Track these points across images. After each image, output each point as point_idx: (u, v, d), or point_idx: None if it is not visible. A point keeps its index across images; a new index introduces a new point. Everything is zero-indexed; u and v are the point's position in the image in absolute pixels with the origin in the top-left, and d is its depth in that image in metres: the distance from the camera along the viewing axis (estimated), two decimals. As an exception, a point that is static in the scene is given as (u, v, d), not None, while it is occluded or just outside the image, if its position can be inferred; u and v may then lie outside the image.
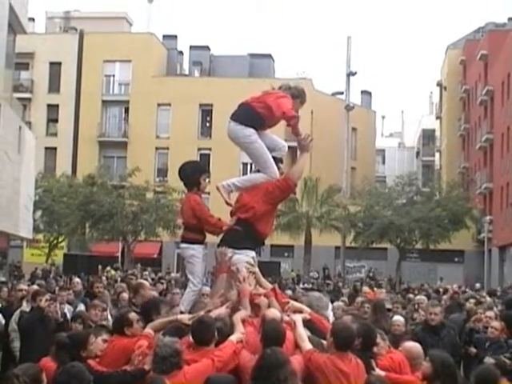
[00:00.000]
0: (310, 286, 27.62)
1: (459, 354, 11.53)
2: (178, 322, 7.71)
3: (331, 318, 9.06)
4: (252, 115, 8.80)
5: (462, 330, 12.71)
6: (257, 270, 8.36)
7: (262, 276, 8.50)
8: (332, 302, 12.42)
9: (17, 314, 11.98)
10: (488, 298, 18.90)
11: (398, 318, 11.35)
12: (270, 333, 6.87)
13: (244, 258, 8.35)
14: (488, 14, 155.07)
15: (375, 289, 24.21)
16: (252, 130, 8.77)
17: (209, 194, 10.89)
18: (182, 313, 8.51)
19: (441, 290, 27.17)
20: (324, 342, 7.23)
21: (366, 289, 19.78)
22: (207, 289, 10.47)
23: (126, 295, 13.44)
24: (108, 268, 34.55)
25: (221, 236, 8.81)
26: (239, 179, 9.19)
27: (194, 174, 8.92)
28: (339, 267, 47.95)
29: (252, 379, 6.21)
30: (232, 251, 8.43)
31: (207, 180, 9.10)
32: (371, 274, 47.46)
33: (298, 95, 9.12)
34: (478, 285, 32.91)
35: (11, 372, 6.73)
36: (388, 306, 13.60)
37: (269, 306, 7.75)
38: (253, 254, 8.56)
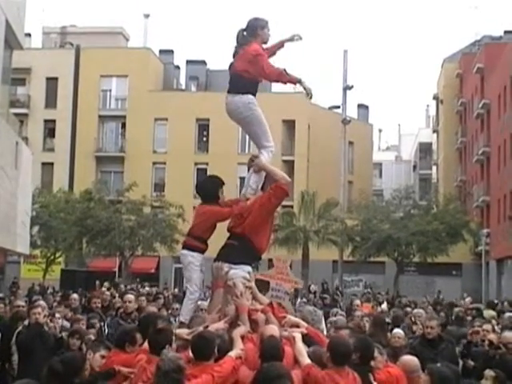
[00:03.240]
0: (306, 300, 27.38)
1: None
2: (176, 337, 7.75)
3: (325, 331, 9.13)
4: (244, 82, 8.91)
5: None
6: (253, 284, 8.36)
7: (258, 291, 8.52)
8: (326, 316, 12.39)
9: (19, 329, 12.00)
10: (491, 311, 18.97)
11: (398, 331, 11.33)
12: (268, 350, 6.90)
13: (240, 273, 8.37)
14: (484, 28, 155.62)
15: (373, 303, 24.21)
16: (250, 97, 8.91)
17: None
18: (181, 323, 8.56)
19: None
20: None
21: (357, 302, 19.73)
22: (204, 303, 10.50)
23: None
24: (107, 285, 34.39)
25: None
26: (251, 181, 9.22)
27: (216, 188, 9.08)
28: (337, 281, 47.85)
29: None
30: (228, 266, 8.46)
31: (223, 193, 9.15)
32: (368, 290, 47.18)
33: (253, 30, 9.11)
34: (468, 299, 32.16)
35: None
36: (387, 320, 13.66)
37: (266, 322, 7.78)
38: (249, 268, 8.57)
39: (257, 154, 9.25)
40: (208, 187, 9.15)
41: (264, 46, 9.18)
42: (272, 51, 9.40)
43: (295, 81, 8.96)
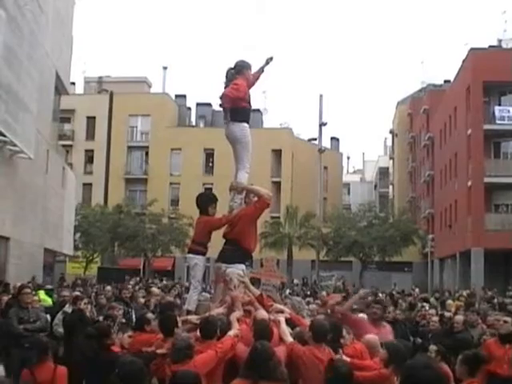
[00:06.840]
0: (291, 291, 27.32)
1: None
2: (187, 321, 7.77)
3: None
4: (239, 111, 8.88)
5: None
6: (246, 279, 8.37)
7: (250, 284, 8.52)
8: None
9: (60, 313, 12.04)
10: (431, 299, 18.93)
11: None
12: (259, 330, 6.89)
13: (235, 271, 8.38)
14: (428, 77, 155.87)
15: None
16: (245, 124, 8.91)
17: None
18: (188, 311, 8.57)
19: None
20: None
21: (323, 294, 19.54)
22: (205, 295, 10.57)
23: (142, 300, 13.73)
24: (137, 280, 34.16)
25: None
26: (237, 198, 9.17)
27: (204, 203, 8.96)
28: (314, 276, 47.79)
29: (247, 369, 6.17)
30: (226, 266, 8.49)
31: (215, 208, 9.02)
32: (341, 283, 46.94)
33: (240, 70, 9.10)
34: (417, 290, 32.18)
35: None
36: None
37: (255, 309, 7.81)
38: (243, 267, 8.59)
39: (234, 181, 9.21)
40: (198, 202, 9.03)
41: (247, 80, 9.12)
42: (256, 76, 9.33)
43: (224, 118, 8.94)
